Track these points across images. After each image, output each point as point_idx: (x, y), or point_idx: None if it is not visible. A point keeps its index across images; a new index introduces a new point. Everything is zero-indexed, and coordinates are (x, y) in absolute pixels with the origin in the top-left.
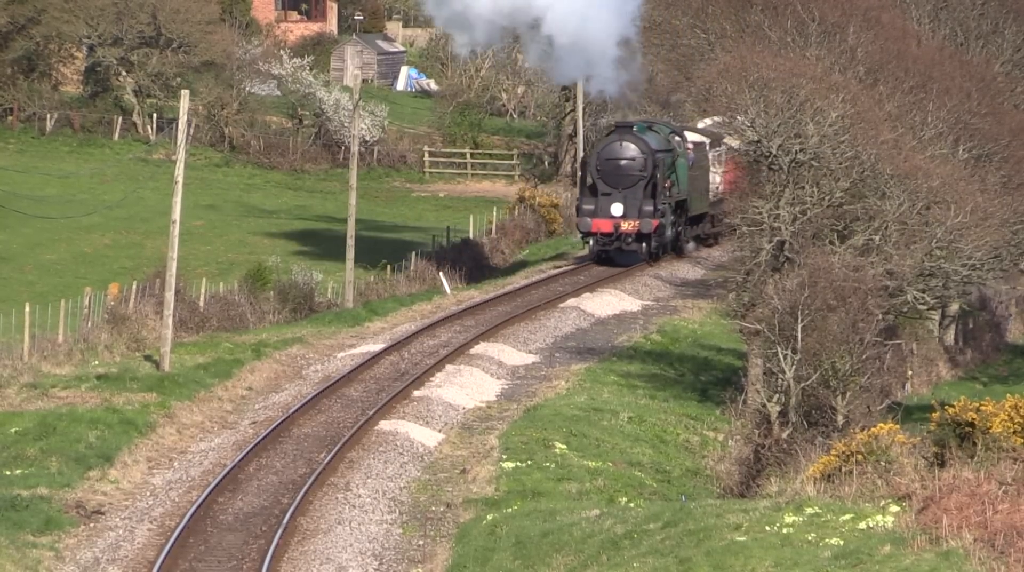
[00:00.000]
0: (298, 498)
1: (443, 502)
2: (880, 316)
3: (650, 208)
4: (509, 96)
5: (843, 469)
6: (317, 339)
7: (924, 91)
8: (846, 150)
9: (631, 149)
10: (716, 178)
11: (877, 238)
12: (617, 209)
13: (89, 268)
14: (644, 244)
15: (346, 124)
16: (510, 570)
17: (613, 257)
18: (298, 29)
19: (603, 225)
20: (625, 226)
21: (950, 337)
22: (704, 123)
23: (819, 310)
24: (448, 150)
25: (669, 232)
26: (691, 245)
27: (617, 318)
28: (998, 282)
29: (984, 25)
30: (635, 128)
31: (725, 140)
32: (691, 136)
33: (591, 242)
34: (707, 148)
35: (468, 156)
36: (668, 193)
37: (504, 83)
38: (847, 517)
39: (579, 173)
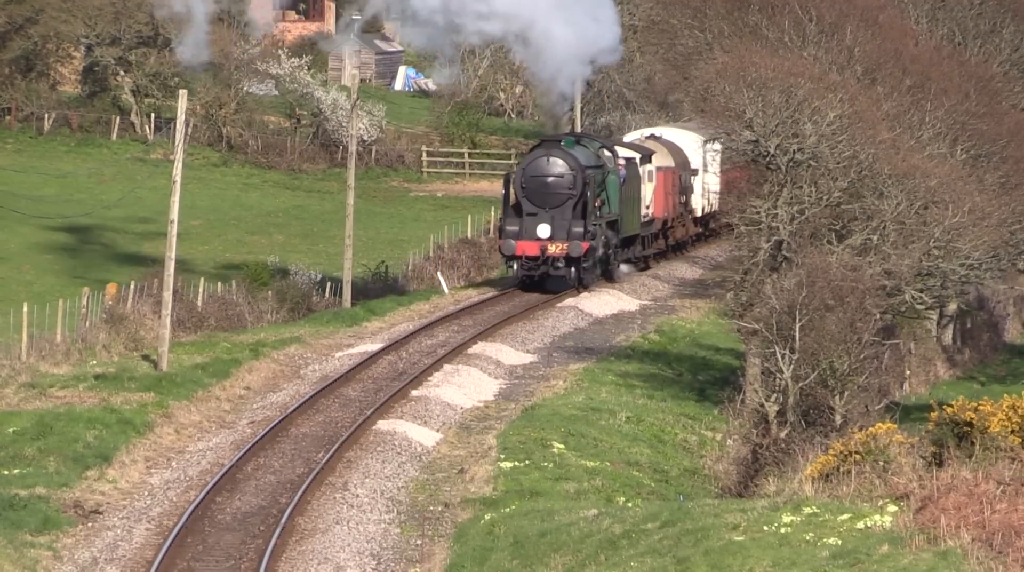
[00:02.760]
0: (296, 498)
1: (441, 502)
2: (878, 316)
3: (580, 229)
4: (507, 96)
5: (841, 469)
6: (315, 339)
7: (922, 91)
8: (844, 150)
9: (559, 165)
10: (647, 197)
11: (875, 238)
12: (544, 230)
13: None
14: (573, 269)
15: (344, 124)
16: (508, 570)
17: (541, 283)
18: (296, 29)
19: (528, 248)
20: (552, 249)
21: (948, 337)
22: (631, 137)
23: (817, 310)
24: (446, 150)
25: (600, 255)
26: (624, 269)
27: (615, 318)
28: (996, 282)
29: (982, 25)
30: (563, 142)
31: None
32: (621, 151)
33: (515, 266)
34: (638, 164)
35: (466, 156)
36: (598, 213)
37: (502, 83)
38: (845, 517)
39: (503, 191)
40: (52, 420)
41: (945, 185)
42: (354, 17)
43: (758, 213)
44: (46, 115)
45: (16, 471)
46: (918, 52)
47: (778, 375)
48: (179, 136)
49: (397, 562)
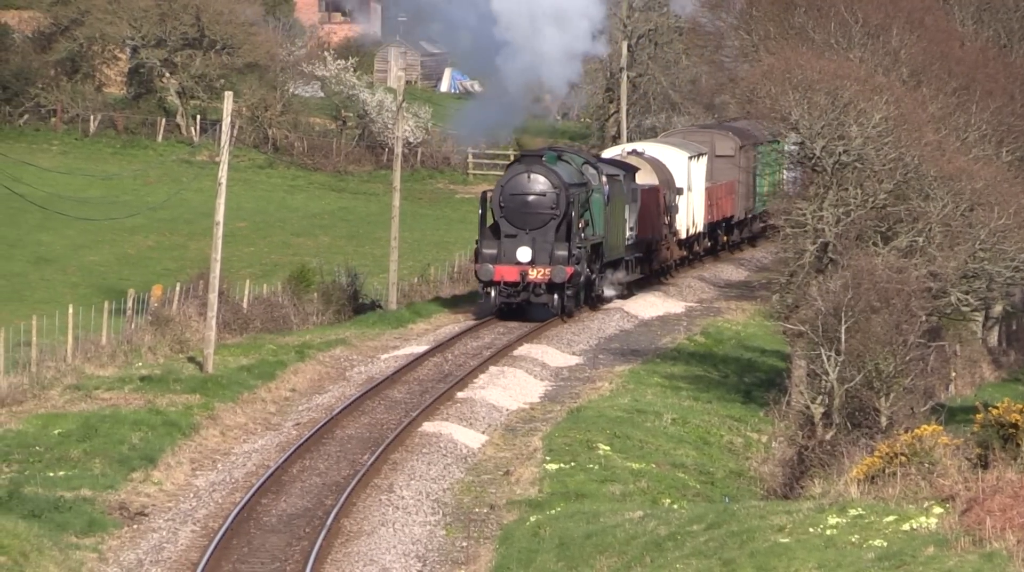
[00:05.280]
0: (342, 500)
1: (487, 504)
2: (924, 317)
3: (563, 253)
4: (552, 97)
5: (887, 471)
6: (360, 341)
7: (968, 93)
8: (890, 152)
9: (540, 182)
10: (631, 217)
11: (921, 240)
12: (524, 254)
13: (132, 270)
14: (556, 296)
15: (390, 126)
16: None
17: (520, 311)
18: (342, 31)
19: (508, 273)
20: (534, 274)
21: (994, 338)
22: (612, 152)
23: (863, 312)
24: (492, 151)
25: (584, 281)
26: (608, 294)
27: (661, 320)
28: None
29: None
30: (544, 157)
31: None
32: (605, 168)
33: (493, 293)
34: (622, 182)
35: (511, 158)
36: (582, 235)
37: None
38: (891, 519)
39: (479, 210)
40: (98, 422)
41: (991, 187)
42: (400, 19)
43: (804, 215)
44: (92, 117)
45: (62, 473)
46: (964, 54)
47: (824, 377)
48: (225, 138)
49: (442, 564)
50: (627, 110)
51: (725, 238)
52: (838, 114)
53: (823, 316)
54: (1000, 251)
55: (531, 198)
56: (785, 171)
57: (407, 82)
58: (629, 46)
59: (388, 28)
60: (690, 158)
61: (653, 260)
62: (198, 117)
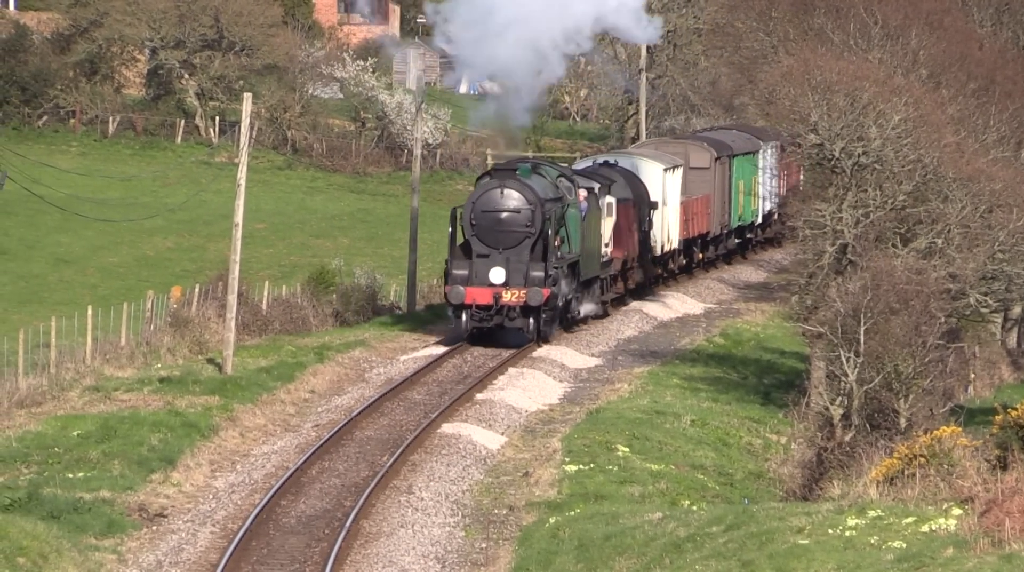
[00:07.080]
0: (361, 501)
1: (506, 505)
2: (943, 319)
3: (539, 273)
4: (572, 99)
5: (906, 472)
6: (380, 342)
7: (987, 94)
8: (909, 153)
9: (514, 198)
10: (606, 233)
11: (940, 241)
12: (497, 275)
13: (151, 271)
14: (532, 320)
15: (409, 127)
16: None
17: (491, 335)
18: (361, 32)
19: (480, 295)
20: (508, 297)
21: (1013, 340)
22: (582, 164)
23: (882, 313)
24: (511, 153)
25: (560, 303)
26: (584, 311)
27: (680, 321)
28: None
29: None
30: (518, 171)
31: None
32: (580, 180)
33: (464, 317)
34: (597, 194)
35: (531, 159)
36: (558, 253)
37: (567, 86)
38: (910, 520)
39: (450, 228)
40: (117, 423)
41: (1010, 188)
42: (419, 20)
43: (823, 216)
44: (110, 118)
45: (81, 474)
46: (983, 55)
47: (843, 378)
48: (244, 139)
49: (462, 565)
50: (646, 112)
51: (700, 255)
52: (857, 115)
53: (842, 317)
54: (1019, 252)
55: (504, 215)
56: (761, 182)
57: (426, 83)
58: (648, 47)
59: (407, 29)
60: (665, 170)
61: (628, 278)
62: (217, 119)
